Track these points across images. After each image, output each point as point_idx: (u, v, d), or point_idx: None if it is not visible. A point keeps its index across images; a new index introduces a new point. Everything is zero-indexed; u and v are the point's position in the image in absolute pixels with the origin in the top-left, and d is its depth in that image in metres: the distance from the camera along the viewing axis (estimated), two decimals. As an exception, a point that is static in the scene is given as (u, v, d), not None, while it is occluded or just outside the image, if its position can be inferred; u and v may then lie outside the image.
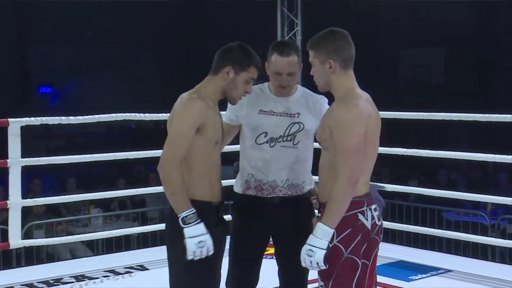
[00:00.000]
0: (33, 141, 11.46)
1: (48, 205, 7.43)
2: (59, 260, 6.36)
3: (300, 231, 3.00)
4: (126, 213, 8.09)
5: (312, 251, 2.54)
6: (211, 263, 2.75)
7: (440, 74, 15.85)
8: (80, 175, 10.26)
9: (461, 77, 14.96)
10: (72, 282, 4.67)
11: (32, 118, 4.81)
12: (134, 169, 11.10)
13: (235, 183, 3.22)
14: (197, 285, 2.75)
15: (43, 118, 4.88)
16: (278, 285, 3.26)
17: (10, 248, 4.97)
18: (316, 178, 2.87)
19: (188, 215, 2.67)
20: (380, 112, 2.78)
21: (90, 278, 4.75)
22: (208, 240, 2.68)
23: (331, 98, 2.78)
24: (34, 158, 4.89)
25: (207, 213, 2.76)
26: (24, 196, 4.96)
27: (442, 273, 4.88)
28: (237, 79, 2.82)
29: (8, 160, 4.73)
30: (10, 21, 15.78)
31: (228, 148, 3.34)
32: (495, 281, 4.66)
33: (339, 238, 2.58)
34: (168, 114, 2.83)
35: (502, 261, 6.39)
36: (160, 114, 5.19)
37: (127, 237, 6.50)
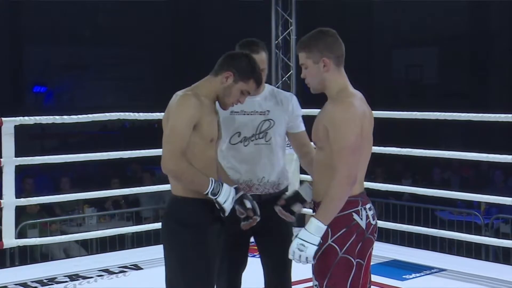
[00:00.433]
0: (28, 141, 11.45)
1: (42, 205, 7.42)
2: (53, 259, 6.34)
3: (279, 229, 3.04)
4: (120, 213, 8.06)
5: (304, 246, 2.54)
6: (207, 261, 2.75)
7: (433, 74, 15.88)
8: (74, 174, 10.24)
9: (454, 77, 15.00)
10: (66, 282, 4.66)
11: (26, 118, 4.81)
12: (128, 168, 11.09)
13: None
14: (193, 284, 2.74)
15: (37, 118, 4.88)
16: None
17: (4, 247, 4.97)
18: (307, 177, 2.87)
19: (213, 188, 2.71)
20: (374, 112, 2.78)
21: (84, 278, 4.74)
22: (232, 192, 2.75)
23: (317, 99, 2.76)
24: (27, 157, 4.89)
25: (202, 211, 2.76)
26: (18, 195, 4.95)
27: (436, 272, 4.89)
28: (234, 87, 2.81)
29: (1, 159, 4.74)
30: (4, 20, 15.73)
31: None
32: (489, 280, 4.67)
33: (334, 237, 2.58)
34: (163, 114, 2.81)
35: (496, 260, 6.39)
36: (154, 114, 5.19)
37: (121, 236, 6.50)
